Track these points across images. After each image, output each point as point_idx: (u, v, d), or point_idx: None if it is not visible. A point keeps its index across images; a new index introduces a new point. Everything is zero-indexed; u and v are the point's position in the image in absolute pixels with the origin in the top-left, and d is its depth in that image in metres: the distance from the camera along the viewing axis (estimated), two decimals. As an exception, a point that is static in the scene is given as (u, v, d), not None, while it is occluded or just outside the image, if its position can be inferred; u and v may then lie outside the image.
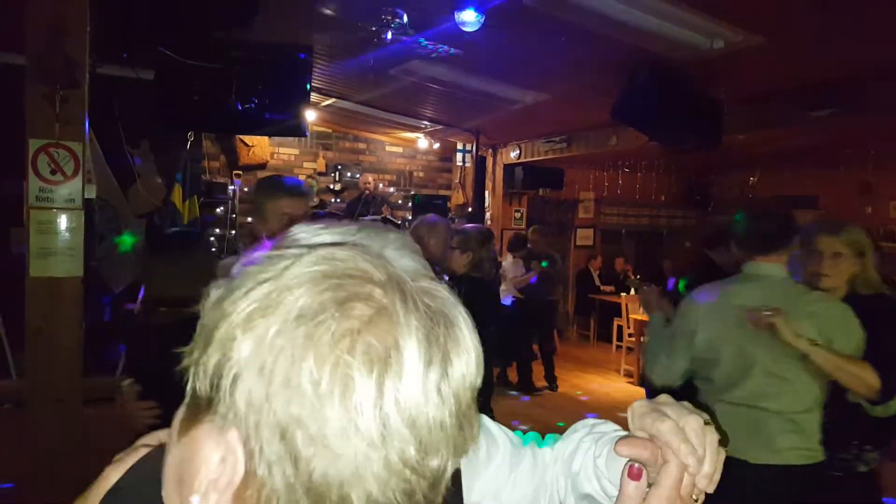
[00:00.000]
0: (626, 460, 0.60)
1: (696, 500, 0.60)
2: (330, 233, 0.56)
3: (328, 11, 4.17)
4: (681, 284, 3.50)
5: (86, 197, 2.96)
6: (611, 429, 0.78)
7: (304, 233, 0.56)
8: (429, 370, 0.45)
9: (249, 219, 6.46)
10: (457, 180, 9.00)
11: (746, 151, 7.43)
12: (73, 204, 2.88)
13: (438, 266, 3.03)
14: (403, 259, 0.55)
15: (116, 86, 4.95)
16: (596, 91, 5.20)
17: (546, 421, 5.81)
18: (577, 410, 6.25)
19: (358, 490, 0.43)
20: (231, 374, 0.43)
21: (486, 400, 3.81)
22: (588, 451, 0.78)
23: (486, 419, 0.85)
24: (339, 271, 0.46)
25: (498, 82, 5.53)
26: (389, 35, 3.94)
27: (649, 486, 0.59)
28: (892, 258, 3.85)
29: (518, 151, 8.03)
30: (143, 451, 0.63)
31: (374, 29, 3.93)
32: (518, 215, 8.59)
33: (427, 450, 0.45)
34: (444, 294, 0.51)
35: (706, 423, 0.60)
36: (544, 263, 6.68)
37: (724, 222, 3.20)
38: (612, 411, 6.13)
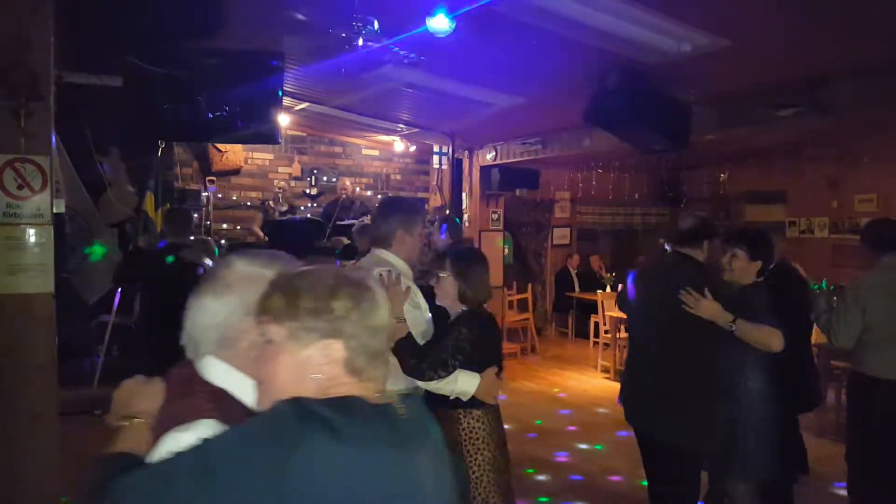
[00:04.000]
0: None
1: None
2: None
3: (299, 16, 4.15)
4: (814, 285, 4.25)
5: (55, 211, 2.92)
6: None
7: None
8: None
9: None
10: (434, 182, 9.02)
11: (716, 149, 7.56)
12: (41, 219, 2.84)
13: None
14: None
15: (83, 94, 4.86)
16: (569, 94, 5.25)
17: (524, 419, 5.86)
18: (555, 407, 6.31)
19: None
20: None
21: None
22: None
23: None
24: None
25: (472, 86, 5.55)
26: (361, 41, 3.93)
27: None
28: (856, 250, 3.95)
29: (494, 153, 8.07)
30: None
31: (345, 35, 3.92)
32: (495, 216, 8.64)
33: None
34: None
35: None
36: None
37: (690, 223, 3.29)
38: (590, 407, 6.20)
